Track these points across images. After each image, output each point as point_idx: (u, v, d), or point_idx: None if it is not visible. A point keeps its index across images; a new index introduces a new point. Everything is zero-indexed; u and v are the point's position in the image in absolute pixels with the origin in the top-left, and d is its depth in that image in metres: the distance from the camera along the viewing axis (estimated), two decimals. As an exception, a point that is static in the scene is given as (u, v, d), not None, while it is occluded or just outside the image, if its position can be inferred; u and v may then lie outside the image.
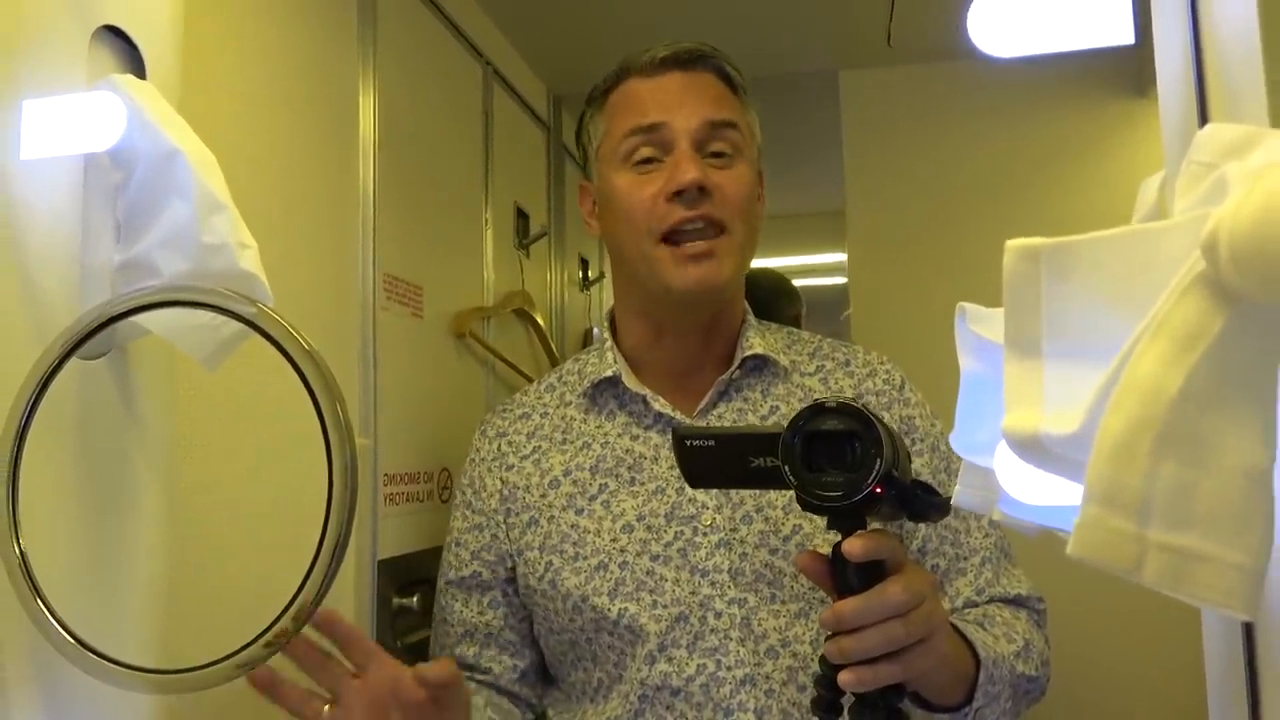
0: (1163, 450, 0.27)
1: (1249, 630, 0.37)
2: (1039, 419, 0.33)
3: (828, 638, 0.70)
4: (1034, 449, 0.33)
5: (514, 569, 1.02)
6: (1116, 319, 0.33)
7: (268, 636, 0.52)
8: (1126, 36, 0.41)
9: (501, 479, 1.04)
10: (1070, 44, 0.42)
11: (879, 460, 0.65)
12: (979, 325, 0.47)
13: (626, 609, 0.93)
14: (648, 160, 0.98)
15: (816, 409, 0.67)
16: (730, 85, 1.03)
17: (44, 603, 0.54)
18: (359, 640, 0.80)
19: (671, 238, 0.97)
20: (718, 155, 0.99)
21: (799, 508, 0.95)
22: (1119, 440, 0.27)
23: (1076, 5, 0.42)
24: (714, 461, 0.73)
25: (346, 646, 0.80)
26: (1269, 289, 0.26)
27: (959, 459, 1.17)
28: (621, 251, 1.03)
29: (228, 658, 0.54)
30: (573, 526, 0.98)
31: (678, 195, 0.95)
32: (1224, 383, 0.27)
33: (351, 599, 1.11)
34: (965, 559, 0.99)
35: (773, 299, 2.01)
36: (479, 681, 1.04)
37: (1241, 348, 0.28)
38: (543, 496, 1.01)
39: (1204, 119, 0.41)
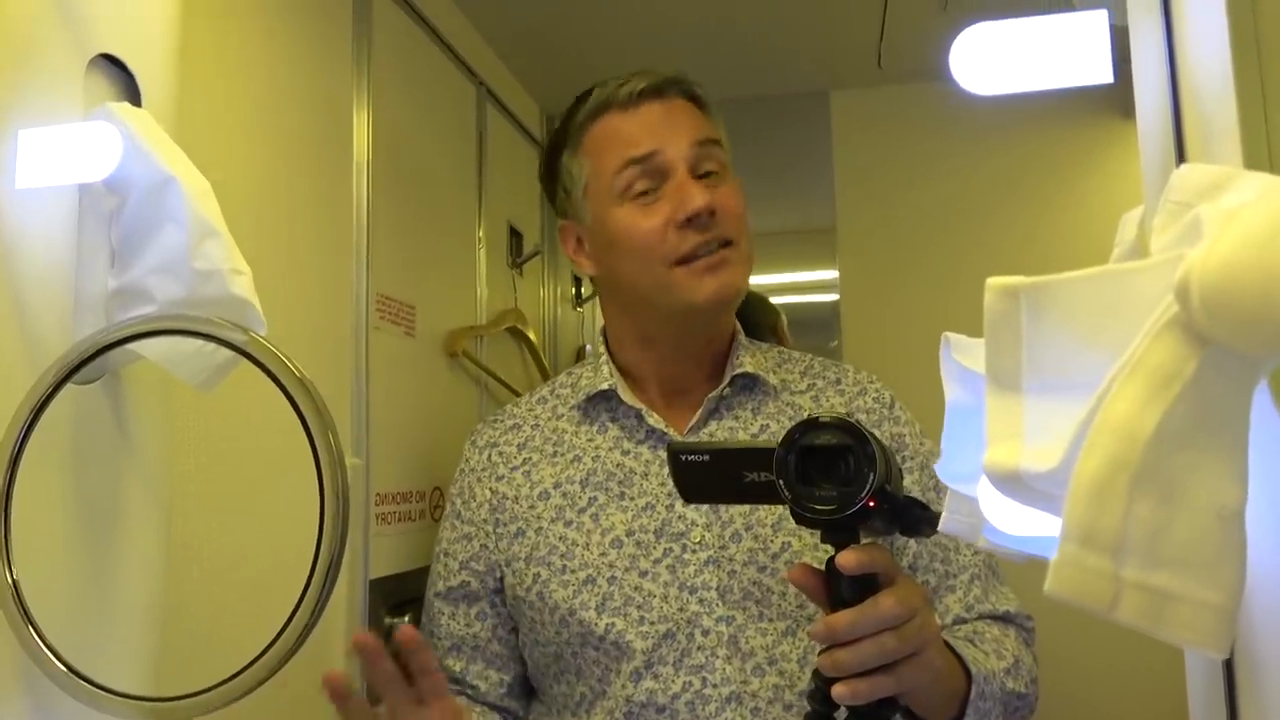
0: (1138, 490, 0.28)
1: (1228, 663, 0.38)
2: (1019, 454, 0.34)
3: (820, 651, 0.71)
4: (1014, 484, 0.34)
5: (502, 579, 1.02)
6: (1094, 356, 0.33)
7: (261, 663, 0.53)
8: (1105, 76, 0.42)
9: (491, 489, 1.04)
10: (1051, 82, 0.43)
11: (872, 475, 0.66)
12: (963, 355, 0.48)
13: (613, 624, 0.94)
14: (645, 192, 0.99)
15: (810, 424, 0.68)
16: (700, 105, 1.05)
17: (35, 630, 0.54)
18: (433, 674, 0.84)
19: (683, 259, 0.98)
20: (708, 174, 1.01)
21: (788, 526, 0.96)
22: (1095, 480, 0.28)
23: (1057, 45, 0.43)
24: (708, 476, 0.74)
25: (420, 675, 0.83)
26: (1239, 334, 0.26)
27: (947, 481, 1.16)
28: (631, 282, 1.03)
29: (221, 684, 0.54)
30: (561, 538, 0.98)
31: (689, 222, 0.97)
32: (1198, 424, 0.28)
33: (343, 618, 1.11)
34: (955, 576, 0.99)
35: (754, 314, 2.01)
36: (468, 697, 1.04)
37: (1214, 389, 0.28)
38: (531, 508, 1.01)
39: (1181, 157, 0.42)
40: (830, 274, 2.07)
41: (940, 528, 0.53)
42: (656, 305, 1.01)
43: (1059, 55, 0.43)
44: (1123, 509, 0.28)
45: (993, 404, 0.35)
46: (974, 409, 0.48)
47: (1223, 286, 0.27)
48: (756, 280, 2.29)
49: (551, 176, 1.10)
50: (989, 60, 0.44)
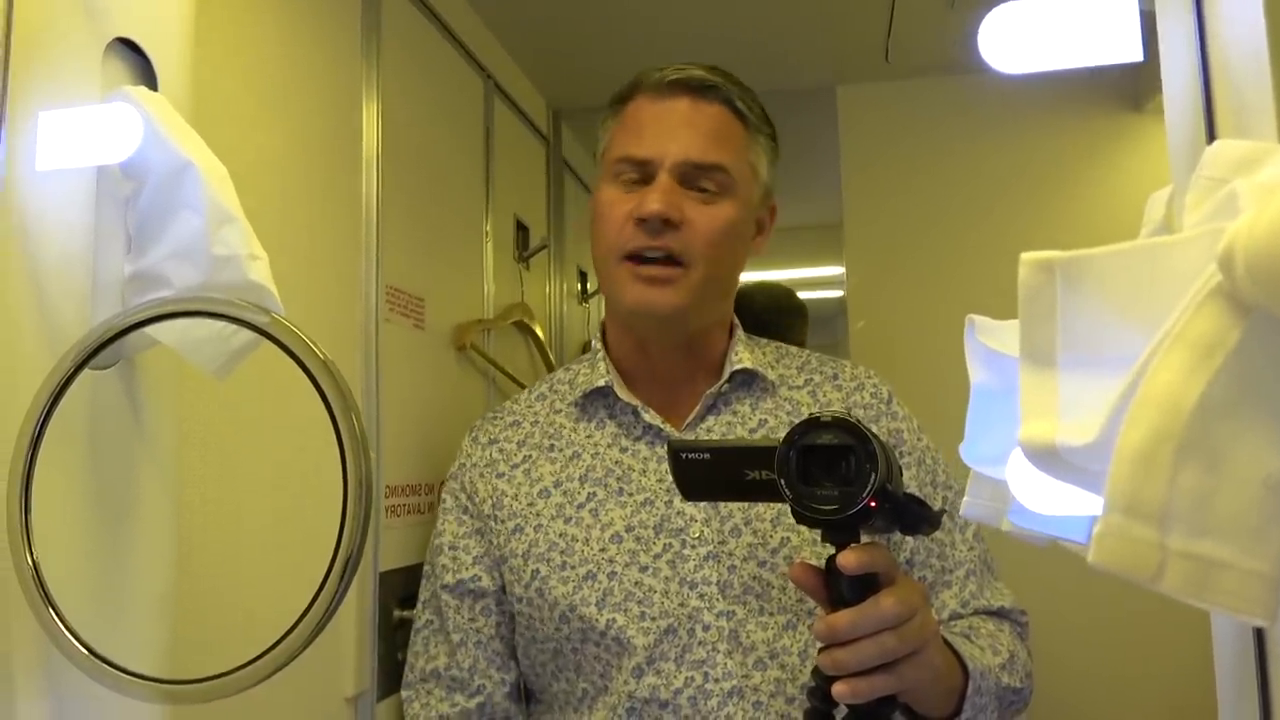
0: (1182, 459, 0.28)
1: (1260, 639, 0.38)
2: (1055, 429, 0.34)
3: (820, 650, 0.71)
4: (1050, 459, 0.34)
5: (503, 577, 1.02)
6: (1130, 330, 0.33)
7: (280, 648, 0.52)
8: (1135, 54, 0.42)
9: (493, 485, 1.04)
10: (1079, 61, 0.43)
11: (874, 474, 0.66)
12: (988, 337, 0.48)
13: (614, 620, 0.93)
14: (633, 181, 1.00)
15: (812, 423, 0.68)
16: (740, 118, 1.02)
17: (56, 612, 0.54)
18: None
19: (633, 257, 0.98)
20: (702, 190, 0.99)
21: (787, 521, 0.96)
22: (1139, 450, 0.28)
23: (1086, 23, 0.42)
24: (709, 474, 0.74)
25: None
26: (1286, 301, 0.26)
27: (944, 472, 1.18)
28: (595, 262, 1.05)
29: (239, 669, 0.54)
30: (560, 535, 0.98)
31: (642, 222, 0.96)
32: (1241, 392, 0.28)
33: (353, 611, 1.11)
34: (951, 571, 1.00)
35: (779, 316, 2.01)
36: (471, 710, 1.02)
37: (1258, 358, 0.28)
38: (531, 505, 1.01)
39: (1211, 135, 0.42)
40: (837, 270, 2.07)
41: (963, 512, 0.53)
42: (605, 291, 1.04)
43: (1088, 33, 0.43)
44: (1167, 478, 0.28)
45: (1027, 379, 0.35)
46: (999, 391, 0.48)
47: (1269, 253, 0.26)
48: (766, 276, 2.29)
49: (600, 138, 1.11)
50: (1018, 40, 0.44)
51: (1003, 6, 0.43)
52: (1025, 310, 0.35)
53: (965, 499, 0.54)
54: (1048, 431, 0.34)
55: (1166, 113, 0.47)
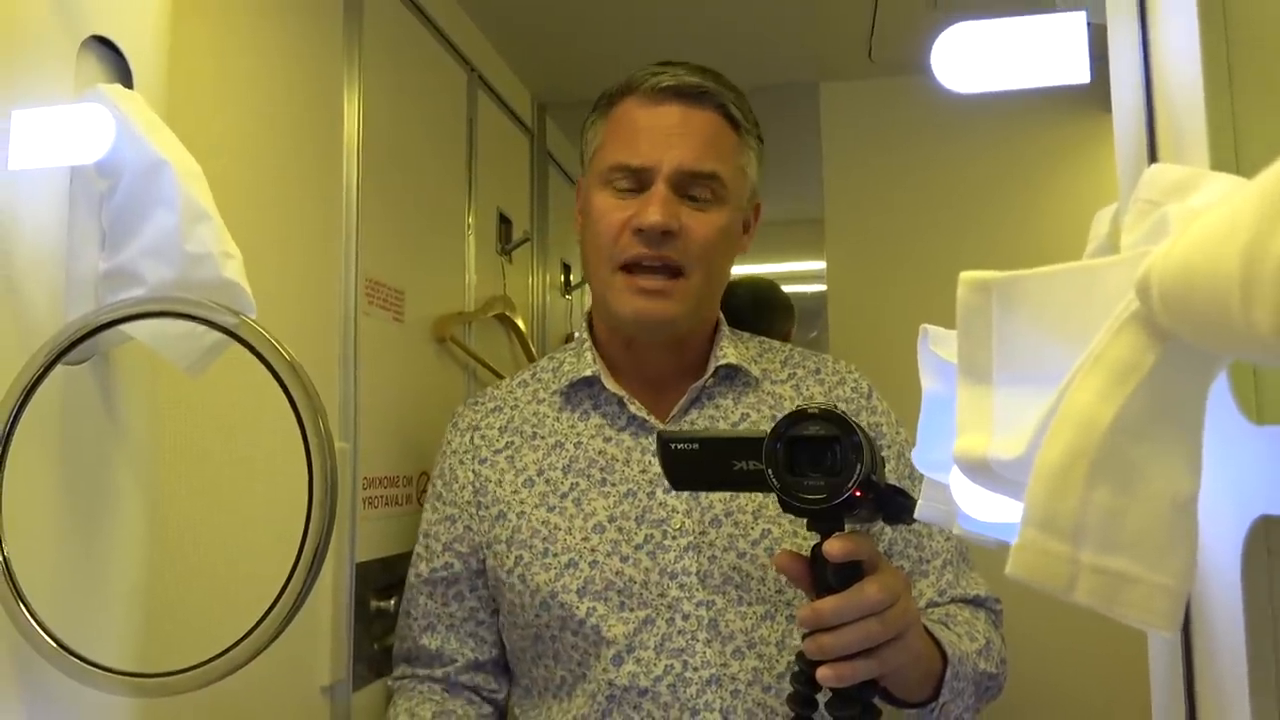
0: (1096, 478, 0.29)
1: (1187, 648, 0.39)
2: (988, 443, 0.35)
3: (805, 635, 0.73)
4: (982, 472, 0.35)
5: (484, 561, 1.04)
6: (1061, 350, 0.35)
7: (247, 642, 0.54)
8: (1082, 76, 0.43)
9: (474, 471, 1.06)
10: (1029, 82, 0.44)
11: (859, 465, 0.68)
12: (940, 347, 0.49)
13: (595, 609, 0.95)
14: (627, 189, 1.00)
15: (799, 415, 0.70)
16: (731, 122, 1.03)
17: (26, 607, 0.55)
18: None
19: (628, 267, 0.99)
20: (695, 199, 1.00)
21: (767, 513, 0.98)
22: (1055, 468, 0.29)
23: (1036, 45, 0.44)
24: (697, 464, 0.75)
25: None
26: (1196, 330, 0.28)
27: (922, 469, 1.19)
28: (588, 265, 1.06)
29: (206, 663, 0.55)
30: (543, 523, 1.00)
31: (640, 232, 0.97)
32: (1155, 415, 0.29)
33: (329, 602, 1.12)
34: (928, 562, 1.02)
35: (764, 312, 2.03)
36: (436, 678, 1.06)
37: (1172, 382, 0.29)
38: (515, 493, 1.03)
39: (1153, 156, 0.43)
40: (818, 264, 2.08)
41: (917, 514, 0.55)
42: (599, 298, 1.04)
43: (1038, 55, 0.44)
44: (1081, 496, 0.29)
45: (964, 394, 0.37)
46: (949, 399, 0.50)
47: (1179, 285, 0.28)
48: (747, 269, 2.30)
49: (584, 134, 1.11)
50: (970, 59, 0.45)
51: (954, 27, 0.44)
52: (963, 328, 0.36)
53: (920, 502, 0.55)
54: (980, 445, 0.35)
55: (1115, 130, 0.48)
